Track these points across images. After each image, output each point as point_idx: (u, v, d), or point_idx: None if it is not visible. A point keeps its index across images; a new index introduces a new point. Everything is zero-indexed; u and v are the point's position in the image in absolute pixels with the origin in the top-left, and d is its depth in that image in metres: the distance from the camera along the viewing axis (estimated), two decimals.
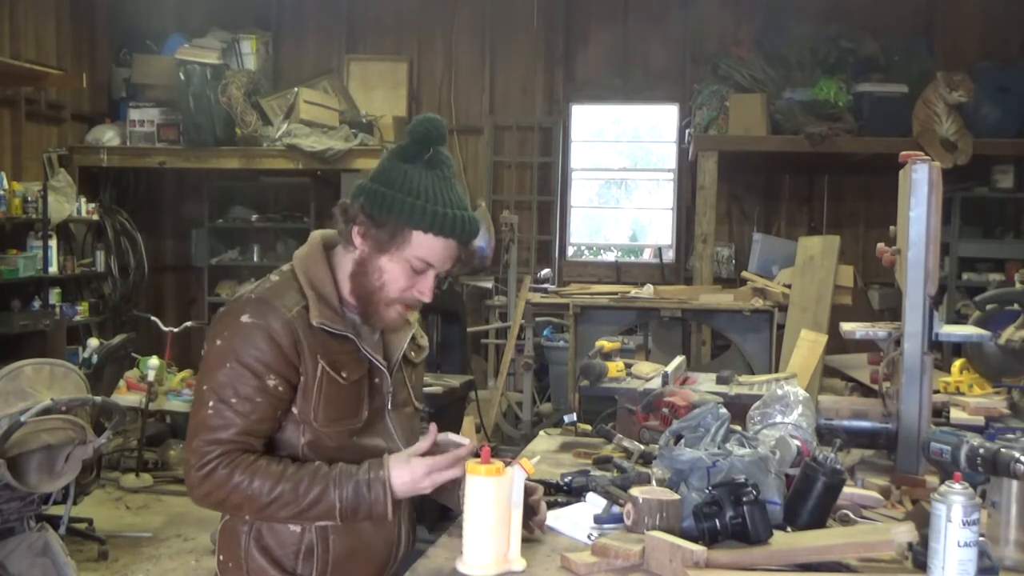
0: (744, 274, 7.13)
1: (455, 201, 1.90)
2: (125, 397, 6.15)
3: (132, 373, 6.51)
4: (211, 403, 1.84)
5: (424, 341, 2.18)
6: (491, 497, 1.82)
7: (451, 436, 2.03)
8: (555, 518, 2.22)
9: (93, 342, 6.59)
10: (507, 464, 1.88)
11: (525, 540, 1.94)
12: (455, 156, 9.08)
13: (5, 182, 7.06)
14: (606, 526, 2.14)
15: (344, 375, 1.92)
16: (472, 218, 1.92)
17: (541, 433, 3.37)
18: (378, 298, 1.93)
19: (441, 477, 1.89)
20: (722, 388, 3.61)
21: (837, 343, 4.96)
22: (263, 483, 1.83)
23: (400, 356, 2.05)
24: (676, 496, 2.02)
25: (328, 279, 1.95)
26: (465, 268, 2.02)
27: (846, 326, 2.95)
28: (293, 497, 1.84)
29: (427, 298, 1.95)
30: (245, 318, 1.86)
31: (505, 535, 1.85)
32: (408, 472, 1.88)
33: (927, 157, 2.68)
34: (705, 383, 3.76)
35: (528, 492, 1.99)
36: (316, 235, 2.05)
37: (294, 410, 1.90)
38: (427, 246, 1.89)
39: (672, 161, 9.14)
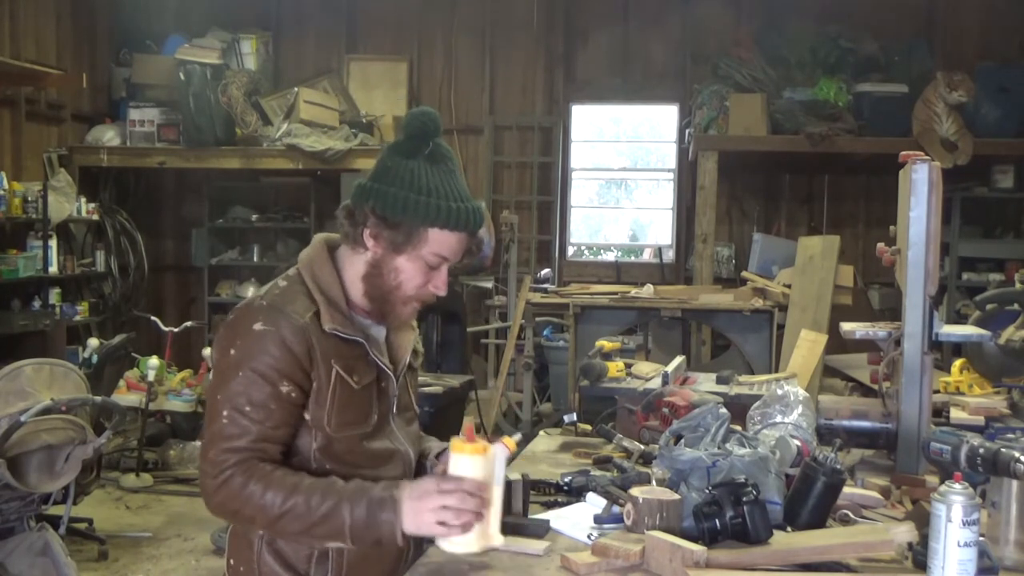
0: (744, 274, 7.13)
1: (463, 194, 1.91)
2: (125, 397, 6.15)
3: (132, 373, 6.51)
4: (225, 412, 1.82)
5: (420, 347, 2.19)
6: (474, 474, 1.82)
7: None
8: (555, 518, 2.22)
9: (93, 342, 6.58)
10: (490, 442, 1.88)
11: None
12: (455, 156, 9.09)
13: (5, 182, 7.07)
14: (606, 526, 2.14)
15: (356, 379, 1.91)
16: (479, 208, 1.94)
17: (541, 433, 3.37)
18: (395, 297, 1.93)
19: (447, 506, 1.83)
20: (722, 388, 3.61)
21: (837, 343, 4.97)
22: (276, 494, 1.80)
23: (407, 360, 2.06)
24: (676, 496, 2.02)
25: (335, 283, 1.94)
26: (474, 258, 2.02)
27: (846, 326, 2.95)
28: (305, 509, 1.80)
29: (442, 292, 1.96)
30: (257, 326, 1.85)
31: (487, 512, 1.85)
32: (417, 500, 1.82)
33: (927, 157, 2.68)
34: (705, 383, 3.76)
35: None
36: (320, 238, 2.03)
37: (307, 416, 1.89)
38: (442, 242, 1.89)
39: (672, 161, 9.14)
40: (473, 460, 1.82)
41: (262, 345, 1.83)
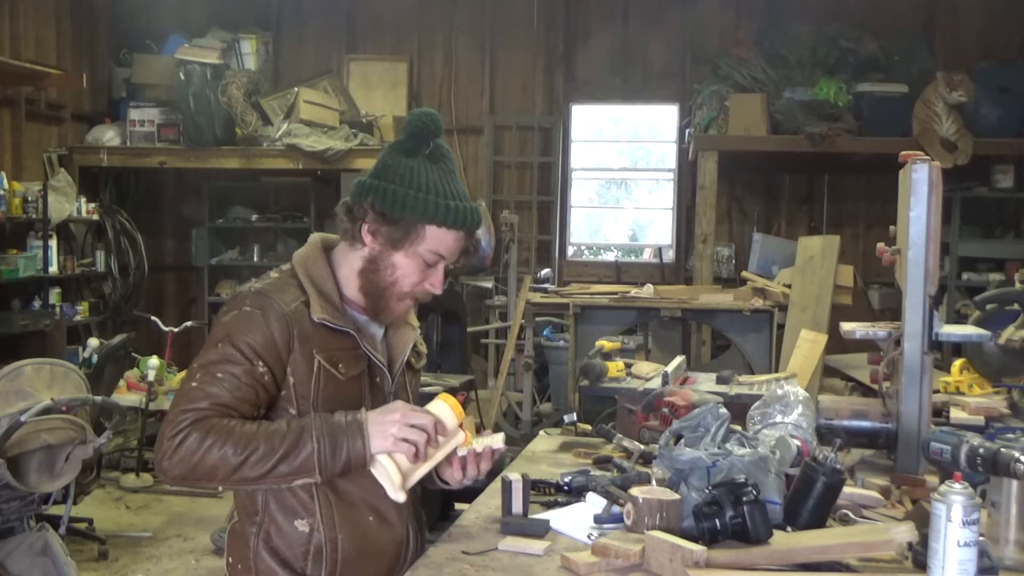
0: (744, 274, 7.12)
1: (462, 193, 1.95)
2: (125, 397, 6.14)
3: (132, 373, 6.50)
4: (198, 376, 1.85)
5: (424, 348, 2.21)
6: (444, 421, 1.89)
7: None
8: (555, 518, 2.22)
9: (93, 342, 6.58)
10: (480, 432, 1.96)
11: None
12: (455, 156, 9.09)
13: (5, 182, 7.07)
14: (606, 526, 2.14)
15: (342, 369, 1.93)
16: (476, 208, 1.98)
17: (541, 433, 3.37)
18: (390, 293, 1.95)
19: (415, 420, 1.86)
20: (722, 388, 3.61)
21: (837, 343, 4.97)
22: (237, 442, 1.79)
23: (405, 358, 2.07)
24: (676, 496, 2.02)
25: (329, 277, 1.97)
26: (471, 258, 2.04)
27: (846, 326, 2.95)
28: (268, 449, 1.79)
29: (438, 290, 1.98)
30: (245, 307, 1.90)
31: (420, 466, 1.88)
32: (381, 415, 1.86)
33: (927, 157, 2.68)
34: (705, 383, 3.75)
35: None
36: (315, 236, 2.07)
37: (292, 411, 1.90)
38: (440, 239, 1.92)
39: (672, 161, 9.14)
40: (450, 413, 1.90)
41: (246, 325, 1.87)
